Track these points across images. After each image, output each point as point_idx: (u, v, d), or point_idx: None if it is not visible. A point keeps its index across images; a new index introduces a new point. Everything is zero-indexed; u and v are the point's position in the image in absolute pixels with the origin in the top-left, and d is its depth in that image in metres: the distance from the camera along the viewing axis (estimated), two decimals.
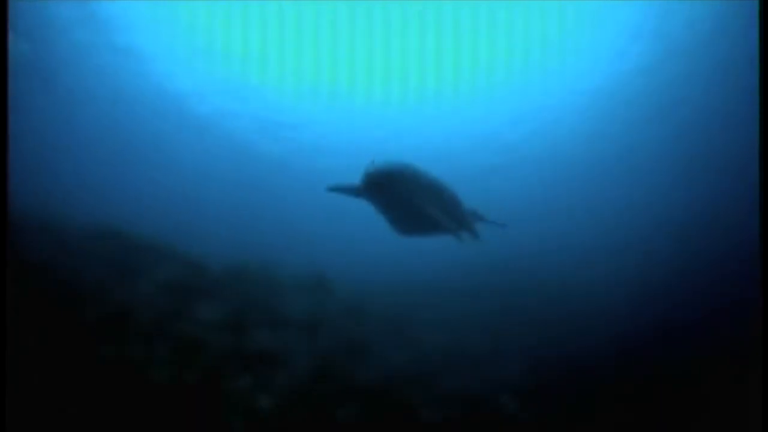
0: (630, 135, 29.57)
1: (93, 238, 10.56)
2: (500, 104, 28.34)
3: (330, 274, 11.85)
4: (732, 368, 8.34)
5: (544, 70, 25.34)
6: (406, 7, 21.84)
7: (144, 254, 10.10)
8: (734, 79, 22.40)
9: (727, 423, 6.78)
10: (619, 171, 33.82)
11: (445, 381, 7.97)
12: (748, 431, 6.18)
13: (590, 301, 14.75)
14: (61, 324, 6.43)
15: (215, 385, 6.20)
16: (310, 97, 27.98)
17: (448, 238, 9.80)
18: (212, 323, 7.77)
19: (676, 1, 19.32)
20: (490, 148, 32.35)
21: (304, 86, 27.29)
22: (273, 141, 32.92)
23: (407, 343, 9.55)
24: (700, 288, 15.62)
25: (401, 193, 8.49)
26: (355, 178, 9.35)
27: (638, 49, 22.37)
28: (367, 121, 30.42)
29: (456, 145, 32.38)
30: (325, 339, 8.61)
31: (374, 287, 14.83)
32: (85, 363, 5.87)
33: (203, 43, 24.22)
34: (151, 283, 8.53)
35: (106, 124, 32.52)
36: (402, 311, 11.85)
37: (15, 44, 22.31)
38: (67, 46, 24.16)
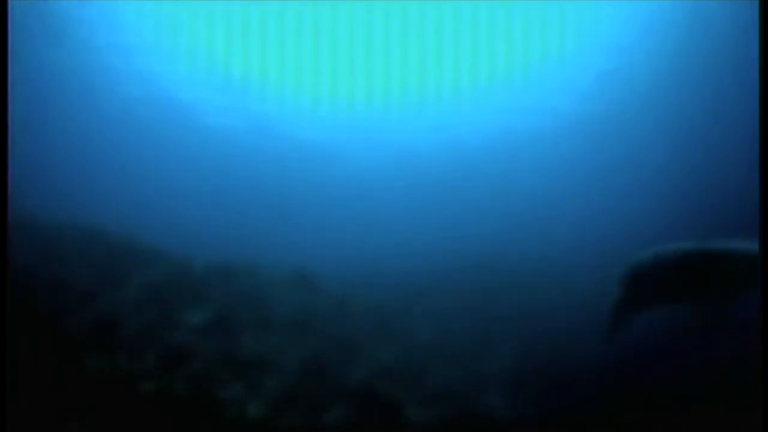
0: (627, 138, 29.74)
1: (77, 241, 10.43)
2: (495, 110, 28.43)
3: (315, 270, 11.79)
4: (728, 359, 8.42)
5: (541, 73, 25.29)
6: (397, 8, 21.75)
7: (128, 257, 9.99)
8: (735, 79, 22.51)
9: (724, 418, 6.85)
10: (614, 175, 34.04)
11: (433, 378, 7.97)
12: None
13: (580, 300, 14.83)
14: (46, 335, 6.33)
15: (204, 395, 6.13)
16: (297, 98, 27.91)
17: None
18: (199, 329, 7.70)
19: (674, 1, 19.38)
20: (479, 153, 32.53)
21: (289, 86, 27.18)
22: (257, 140, 32.78)
23: (395, 339, 9.54)
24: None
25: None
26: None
27: (636, 48, 22.40)
28: (353, 123, 30.39)
29: (446, 148, 32.53)
30: (313, 339, 8.56)
31: (360, 281, 14.76)
32: (70, 375, 5.78)
33: (191, 42, 23.97)
34: (136, 288, 8.43)
35: (89, 127, 32.18)
36: (389, 307, 11.81)
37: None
38: (61, 48, 23.87)
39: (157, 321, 7.80)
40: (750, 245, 6.26)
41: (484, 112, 29.06)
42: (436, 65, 25.43)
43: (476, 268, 20.57)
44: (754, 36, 19.49)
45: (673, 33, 21.05)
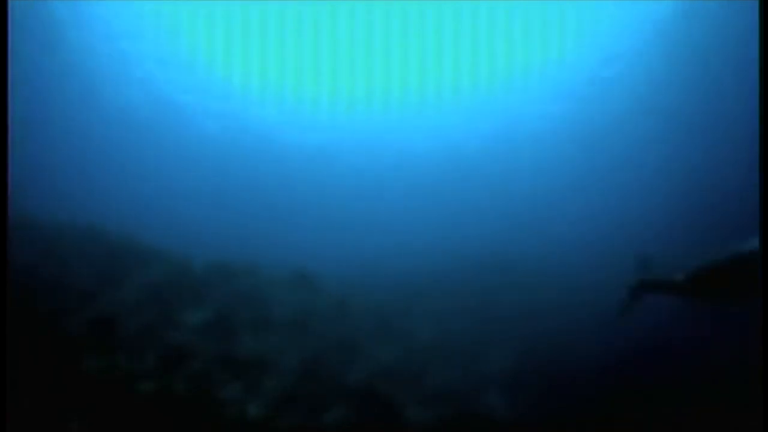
0: (627, 138, 29.75)
1: (77, 241, 10.43)
2: (495, 110, 28.42)
3: (315, 271, 11.76)
4: (728, 359, 8.42)
5: (541, 73, 25.27)
6: (402, 8, 21.76)
7: (128, 257, 9.99)
8: (735, 79, 22.51)
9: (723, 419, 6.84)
10: (614, 175, 34.04)
11: (433, 378, 7.96)
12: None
13: (580, 300, 14.81)
14: (46, 335, 6.32)
15: (204, 395, 6.12)
16: (297, 99, 27.96)
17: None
18: (199, 329, 7.70)
19: (674, 1, 19.38)
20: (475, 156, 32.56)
21: (279, 88, 27.27)
22: (257, 141, 32.82)
23: (395, 339, 9.53)
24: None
25: None
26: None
27: (636, 48, 22.39)
28: (353, 123, 30.42)
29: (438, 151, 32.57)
30: (312, 339, 8.56)
31: (360, 281, 14.75)
32: (70, 375, 5.77)
33: (191, 43, 24.02)
34: (136, 288, 8.43)
35: (89, 127, 32.23)
36: (389, 307, 11.78)
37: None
38: (61, 49, 23.96)
39: (157, 321, 7.80)
40: None
41: (484, 112, 29.06)
42: (436, 65, 25.41)
43: (476, 268, 20.56)
44: (754, 36, 19.50)
45: (673, 33, 21.04)
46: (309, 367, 7.65)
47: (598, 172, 34.56)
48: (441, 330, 10.71)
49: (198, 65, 26.07)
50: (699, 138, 27.81)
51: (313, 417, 6.41)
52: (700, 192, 30.75)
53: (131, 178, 41.78)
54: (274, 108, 29.64)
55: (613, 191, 36.52)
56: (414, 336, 10.06)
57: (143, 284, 8.96)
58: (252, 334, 8.16)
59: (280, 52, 24.98)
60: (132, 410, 5.77)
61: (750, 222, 25.48)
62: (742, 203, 26.05)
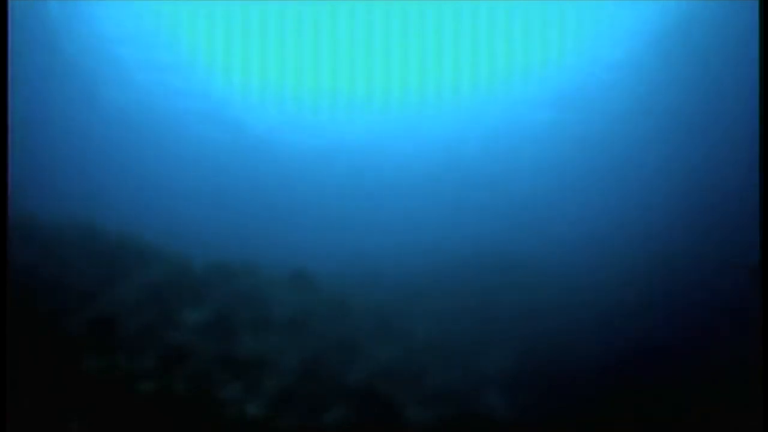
0: (626, 139, 29.76)
1: (76, 241, 10.44)
2: (495, 110, 28.43)
3: (315, 271, 11.74)
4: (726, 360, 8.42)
5: (541, 72, 25.28)
6: (403, 7, 21.77)
7: (128, 257, 9.99)
8: (735, 79, 22.53)
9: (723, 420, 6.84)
10: (614, 175, 34.05)
11: (433, 378, 7.96)
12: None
13: (580, 300, 14.79)
14: (46, 335, 6.32)
15: (204, 395, 6.12)
16: (297, 99, 28.00)
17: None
18: (198, 329, 7.70)
19: (674, 1, 19.39)
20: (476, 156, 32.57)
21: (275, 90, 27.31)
22: (257, 141, 32.87)
23: (395, 339, 9.53)
24: (692, 288, 15.68)
25: None
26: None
27: (636, 48, 22.41)
28: (352, 123, 30.43)
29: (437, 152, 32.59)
30: (312, 338, 8.56)
31: (360, 281, 14.75)
32: (70, 375, 5.77)
33: (191, 44, 24.07)
34: (136, 287, 8.44)
35: (89, 127, 32.25)
36: (389, 307, 11.76)
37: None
38: (61, 48, 24.01)
39: (157, 321, 7.81)
40: None
41: (484, 111, 29.03)
42: (436, 65, 25.39)
43: (476, 268, 20.52)
44: (754, 36, 19.51)
45: (673, 34, 21.03)
46: (309, 367, 7.65)
47: (598, 172, 34.50)
48: (441, 330, 10.70)
49: (198, 65, 26.06)
50: (699, 138, 27.77)
51: (313, 417, 6.42)
52: (700, 192, 30.68)
53: (131, 178, 41.72)
54: (273, 108, 29.63)
55: (613, 191, 36.47)
56: (414, 336, 10.06)
57: (143, 284, 8.96)
58: (252, 334, 8.16)
59: (280, 54, 24.97)
60: (132, 410, 5.77)
61: (750, 222, 25.50)
62: (742, 203, 26.06)
